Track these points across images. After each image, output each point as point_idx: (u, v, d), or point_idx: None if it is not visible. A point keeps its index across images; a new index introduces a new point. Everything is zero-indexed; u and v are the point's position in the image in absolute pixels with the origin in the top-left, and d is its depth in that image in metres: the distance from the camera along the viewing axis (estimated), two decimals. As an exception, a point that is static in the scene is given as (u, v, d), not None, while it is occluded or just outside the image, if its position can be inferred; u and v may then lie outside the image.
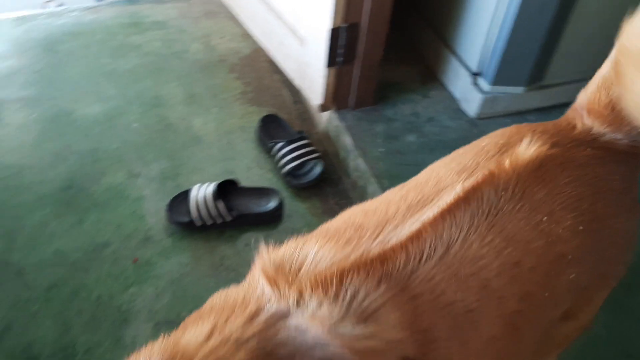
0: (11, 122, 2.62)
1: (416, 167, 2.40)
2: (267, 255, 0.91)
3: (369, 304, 0.83)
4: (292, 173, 2.41)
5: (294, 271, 0.87)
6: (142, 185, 2.40)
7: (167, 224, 2.25)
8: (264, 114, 2.67)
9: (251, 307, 0.85)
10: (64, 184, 2.38)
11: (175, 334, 0.86)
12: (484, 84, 2.47)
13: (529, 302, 0.95)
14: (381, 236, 0.89)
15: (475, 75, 2.49)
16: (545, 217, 0.95)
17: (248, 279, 0.94)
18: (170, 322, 1.97)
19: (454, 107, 2.58)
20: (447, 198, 0.91)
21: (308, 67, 2.44)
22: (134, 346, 1.93)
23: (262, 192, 2.34)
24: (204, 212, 2.21)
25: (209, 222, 2.23)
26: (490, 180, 0.94)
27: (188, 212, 2.24)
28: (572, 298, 1.09)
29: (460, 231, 0.89)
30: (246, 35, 3.19)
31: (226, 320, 0.84)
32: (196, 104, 2.79)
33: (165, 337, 0.87)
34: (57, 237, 2.20)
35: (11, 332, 1.93)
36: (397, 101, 2.60)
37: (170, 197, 2.29)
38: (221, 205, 2.21)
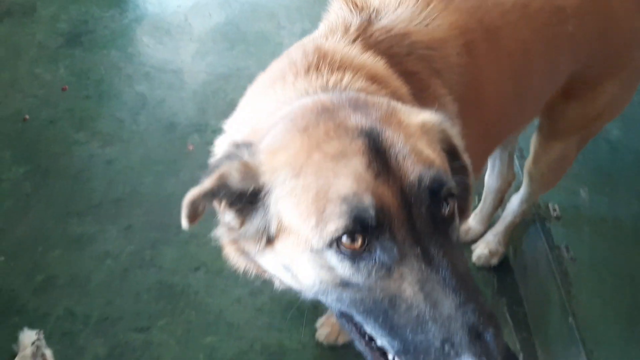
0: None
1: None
2: None
3: (433, 11, 1.16)
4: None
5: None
6: (285, 36, 2.84)
7: (298, 65, 2.67)
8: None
9: (339, 29, 1.11)
10: (225, 21, 2.89)
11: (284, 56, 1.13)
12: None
13: (536, 36, 1.24)
14: None
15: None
16: None
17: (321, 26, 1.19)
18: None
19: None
20: None
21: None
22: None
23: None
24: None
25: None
26: None
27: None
28: (574, 64, 1.33)
29: None
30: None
31: (323, 39, 1.09)
32: (345, -11, 3.18)
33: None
34: (211, 55, 2.71)
35: (164, 105, 2.46)
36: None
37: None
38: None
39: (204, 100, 2.50)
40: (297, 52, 1.05)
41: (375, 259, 0.77)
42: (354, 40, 1.09)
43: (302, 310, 1.82)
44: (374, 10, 1.15)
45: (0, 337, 1.72)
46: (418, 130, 0.83)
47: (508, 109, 1.32)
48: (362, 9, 1.15)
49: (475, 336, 0.73)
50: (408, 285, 0.77)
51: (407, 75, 1.08)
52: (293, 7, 3.02)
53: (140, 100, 2.46)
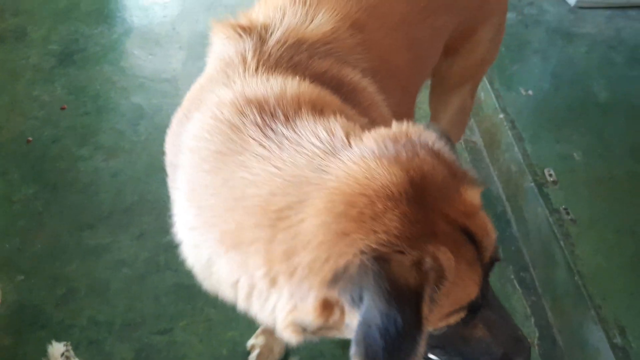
0: (178, -21, 3.25)
1: (508, 36, 2.67)
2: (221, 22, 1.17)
3: (313, 9, 1.19)
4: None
5: (246, 15, 1.18)
6: (272, 34, 2.89)
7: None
8: None
9: (236, 60, 1.07)
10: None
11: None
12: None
13: (412, 7, 1.33)
14: None
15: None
16: None
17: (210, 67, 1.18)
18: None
19: (558, -4, 2.78)
20: None
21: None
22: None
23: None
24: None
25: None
26: None
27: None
28: (453, 22, 1.44)
29: None
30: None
31: (228, 80, 1.05)
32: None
33: None
34: (202, 60, 2.68)
35: (162, 113, 2.51)
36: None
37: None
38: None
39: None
40: (223, 110, 0.98)
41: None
42: (257, 69, 1.06)
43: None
44: (262, 27, 1.13)
45: (29, 352, 1.78)
46: (481, 208, 0.91)
47: (413, 73, 1.42)
48: (250, 30, 1.13)
49: (521, 344, 1.01)
50: (480, 329, 0.97)
51: (319, 77, 1.09)
52: (277, 5, 3.07)
53: (138, 111, 2.52)
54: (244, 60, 1.07)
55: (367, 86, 1.18)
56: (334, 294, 0.81)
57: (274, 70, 1.06)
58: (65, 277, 1.96)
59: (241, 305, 0.98)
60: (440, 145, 0.91)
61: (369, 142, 0.88)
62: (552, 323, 1.86)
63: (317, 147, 0.89)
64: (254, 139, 0.93)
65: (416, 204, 0.81)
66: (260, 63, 1.07)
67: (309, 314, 0.84)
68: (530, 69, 2.44)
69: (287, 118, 0.95)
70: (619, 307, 1.70)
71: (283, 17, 1.15)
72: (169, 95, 2.58)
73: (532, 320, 1.89)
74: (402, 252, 0.78)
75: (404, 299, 0.75)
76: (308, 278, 0.82)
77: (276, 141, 0.92)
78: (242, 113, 0.96)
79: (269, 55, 1.09)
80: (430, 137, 0.91)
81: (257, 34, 1.11)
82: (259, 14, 1.16)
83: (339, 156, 0.87)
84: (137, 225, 2.12)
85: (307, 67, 1.10)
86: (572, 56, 2.51)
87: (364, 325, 0.76)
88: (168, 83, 2.65)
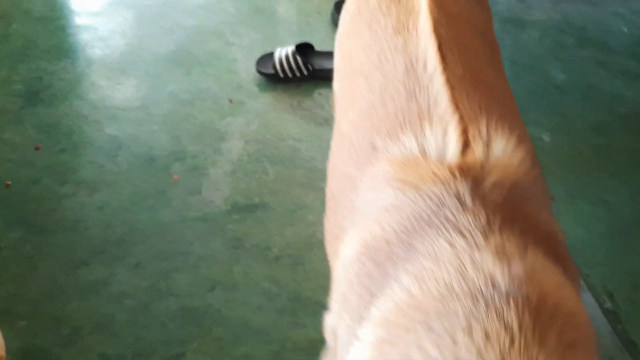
0: (134, 4, 3.24)
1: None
2: None
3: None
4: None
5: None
6: (236, 51, 2.94)
7: (256, 76, 2.77)
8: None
9: (451, 204, 0.81)
10: (175, 49, 2.96)
11: None
12: (531, -37, 2.79)
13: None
14: None
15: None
16: None
17: None
18: (257, 141, 2.48)
19: (505, -13, 2.91)
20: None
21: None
22: (229, 155, 2.44)
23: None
24: (285, 65, 2.70)
25: (290, 74, 2.72)
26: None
27: (273, 66, 2.74)
28: None
29: None
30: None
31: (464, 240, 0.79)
32: (281, -5, 3.29)
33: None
34: (171, 84, 2.78)
35: (139, 142, 2.52)
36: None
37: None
38: (300, 59, 2.69)
39: (175, 128, 2.57)
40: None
41: None
42: (489, 222, 0.81)
43: (321, 304, 1.93)
44: (479, 165, 0.89)
45: (42, 396, 1.78)
46: None
47: None
48: (468, 170, 0.88)
49: None
50: None
51: (542, 242, 0.83)
52: (235, 22, 3.11)
53: (115, 142, 2.52)
54: (463, 204, 0.84)
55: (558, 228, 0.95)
56: None
57: (503, 231, 0.81)
58: (67, 317, 1.96)
59: None
60: None
61: None
62: (544, 297, 1.97)
63: None
64: None
65: None
66: (485, 209, 0.83)
67: None
68: (490, 59, 2.56)
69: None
70: (604, 273, 1.82)
71: (489, 149, 0.92)
72: (144, 123, 2.59)
73: (525, 296, 2.00)
74: None
75: None
76: None
77: None
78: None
79: (493, 202, 0.85)
80: None
81: (473, 174, 0.88)
82: (476, 149, 0.92)
83: None
84: (131, 256, 2.13)
85: (531, 227, 0.84)
86: (527, 43, 2.65)
87: None
88: (140, 111, 2.65)
